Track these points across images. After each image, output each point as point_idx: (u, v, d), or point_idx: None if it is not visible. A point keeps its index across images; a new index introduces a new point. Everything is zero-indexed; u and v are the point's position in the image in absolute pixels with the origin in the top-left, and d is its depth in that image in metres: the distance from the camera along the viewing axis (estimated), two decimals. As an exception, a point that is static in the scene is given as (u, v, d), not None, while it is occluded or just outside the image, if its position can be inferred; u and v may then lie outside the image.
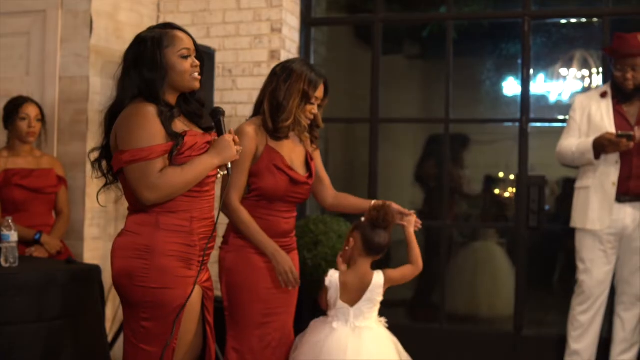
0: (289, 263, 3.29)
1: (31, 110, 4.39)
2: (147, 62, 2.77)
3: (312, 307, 4.84)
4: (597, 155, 4.40)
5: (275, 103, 3.33)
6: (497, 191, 7.25)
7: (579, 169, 4.66)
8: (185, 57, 2.84)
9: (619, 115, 4.48)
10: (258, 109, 3.43)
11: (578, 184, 4.62)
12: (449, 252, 5.95)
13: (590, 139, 4.42)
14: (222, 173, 2.90)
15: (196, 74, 2.87)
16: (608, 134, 4.34)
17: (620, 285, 4.54)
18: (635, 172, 4.39)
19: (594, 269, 4.49)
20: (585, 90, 6.45)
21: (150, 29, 2.91)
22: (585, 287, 4.52)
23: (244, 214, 3.27)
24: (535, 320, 5.51)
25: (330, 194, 3.66)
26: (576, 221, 4.58)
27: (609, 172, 4.42)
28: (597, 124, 4.49)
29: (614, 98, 4.52)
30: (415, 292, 6.65)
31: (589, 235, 4.49)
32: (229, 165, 2.86)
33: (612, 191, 4.41)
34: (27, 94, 4.57)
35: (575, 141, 4.54)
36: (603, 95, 4.57)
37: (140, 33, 2.90)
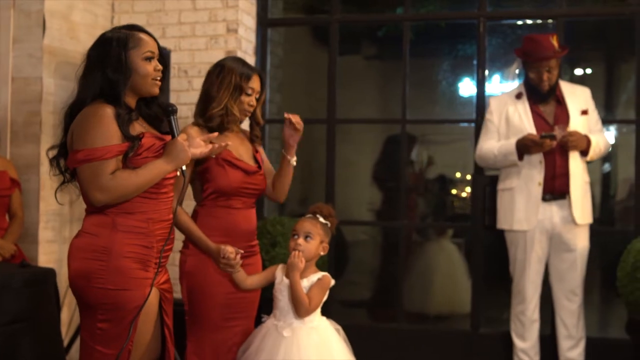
0: (229, 250, 3.22)
1: (-17, 112, 4.32)
2: (112, 62, 2.76)
3: (271, 309, 4.84)
4: (520, 157, 4.47)
5: (207, 98, 3.38)
6: (454, 191, 7.32)
7: (500, 171, 4.71)
8: (149, 60, 2.83)
9: (537, 116, 4.55)
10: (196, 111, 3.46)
11: (501, 186, 4.67)
12: (407, 251, 5.99)
13: (512, 141, 4.48)
14: (181, 179, 2.90)
15: (158, 79, 2.86)
16: (531, 135, 4.40)
17: (555, 283, 4.60)
18: (559, 171, 4.46)
19: (527, 268, 4.55)
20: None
21: (116, 29, 2.89)
22: (520, 287, 4.58)
23: (183, 216, 3.27)
24: (492, 318, 5.57)
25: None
26: (502, 223, 4.63)
27: (533, 172, 4.47)
28: (516, 125, 4.55)
29: (529, 99, 4.59)
30: (374, 293, 6.69)
31: (519, 236, 4.55)
32: (184, 168, 2.85)
33: (538, 191, 4.46)
34: (-22, 95, 4.49)
35: (496, 144, 4.60)
36: (518, 96, 4.63)
37: (105, 32, 2.87)
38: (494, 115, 4.67)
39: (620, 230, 4.90)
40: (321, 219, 3.35)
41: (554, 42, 4.50)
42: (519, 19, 5.87)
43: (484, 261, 5.23)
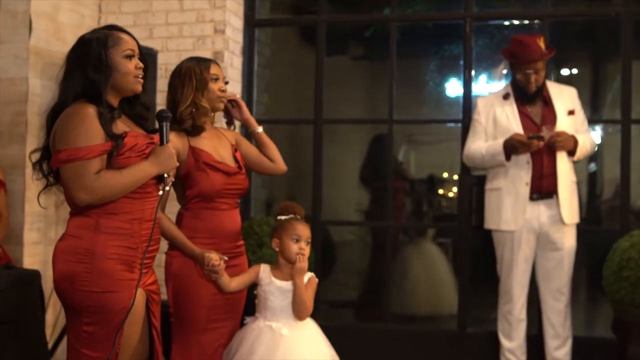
0: (214, 257, 3.23)
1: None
2: (92, 62, 2.75)
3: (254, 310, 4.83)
4: (508, 157, 4.49)
5: (174, 103, 3.38)
6: (441, 191, 7.33)
7: (487, 171, 4.74)
8: (130, 58, 2.83)
9: (524, 116, 4.57)
10: None
11: (489, 186, 4.69)
12: (394, 252, 5.99)
13: (500, 141, 4.50)
14: (161, 192, 2.88)
15: (140, 76, 2.86)
16: (518, 136, 4.43)
17: (542, 282, 4.62)
18: (547, 171, 4.48)
19: (514, 268, 4.57)
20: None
21: (94, 30, 2.89)
22: (508, 287, 4.60)
23: (164, 220, 3.26)
24: (479, 318, 5.58)
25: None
26: (490, 223, 4.65)
27: (521, 172, 4.50)
28: (504, 125, 4.57)
29: (516, 99, 4.61)
30: (361, 293, 6.69)
31: (506, 236, 4.57)
32: (166, 176, 2.84)
33: (526, 191, 4.48)
34: (-36, 96, 4.47)
35: (483, 144, 4.62)
36: (505, 97, 4.65)
37: (84, 35, 2.87)
38: (481, 115, 4.69)
39: (606, 229, 4.93)
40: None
41: (541, 43, 4.52)
42: (505, 19, 5.88)
43: (471, 261, 5.24)
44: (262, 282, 3.36)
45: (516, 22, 5.88)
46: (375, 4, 6.47)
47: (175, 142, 3.22)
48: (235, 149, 3.54)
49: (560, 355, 4.56)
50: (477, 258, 5.37)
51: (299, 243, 3.35)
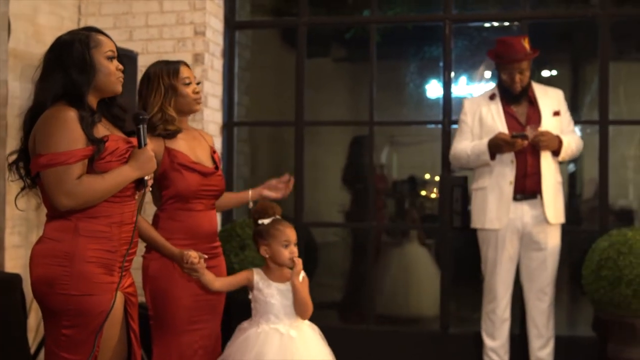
0: (192, 254, 3.21)
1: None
2: (76, 63, 2.75)
3: (240, 311, 4.83)
4: (492, 156, 4.52)
5: (144, 107, 3.35)
6: (423, 192, 7.36)
7: (474, 171, 4.77)
8: (111, 59, 2.83)
9: (509, 116, 4.61)
10: None
11: (475, 185, 4.72)
12: (377, 253, 6.01)
13: (485, 141, 4.53)
14: (141, 191, 2.89)
15: (121, 77, 2.86)
16: (502, 135, 4.46)
17: (526, 282, 4.65)
18: (530, 170, 4.51)
19: (498, 267, 4.59)
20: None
21: (72, 32, 2.88)
22: (491, 286, 4.63)
23: (142, 222, 3.24)
24: (461, 318, 5.61)
25: None
26: (475, 222, 4.68)
27: (505, 171, 4.53)
28: (489, 125, 4.60)
29: (502, 99, 4.65)
30: (343, 294, 6.70)
31: (491, 235, 4.60)
32: (147, 178, 2.84)
33: (510, 190, 4.51)
34: (-58, 99, 4.43)
35: (469, 144, 4.65)
36: (492, 97, 4.69)
37: (61, 36, 2.86)
38: (467, 116, 4.72)
39: (585, 229, 4.97)
40: None
41: (526, 44, 4.57)
42: (485, 21, 5.92)
43: (453, 262, 5.27)
44: (258, 285, 3.35)
45: (495, 23, 5.92)
46: (356, 6, 6.49)
47: (151, 144, 3.21)
48: (214, 150, 3.54)
49: (544, 355, 4.59)
50: (460, 259, 5.40)
51: (289, 247, 3.35)
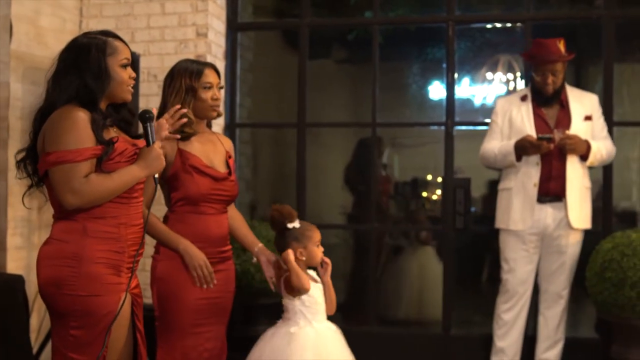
0: (202, 257, 3.24)
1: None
2: (91, 69, 2.75)
3: (243, 314, 4.82)
4: (518, 158, 4.52)
5: (164, 107, 3.35)
6: (425, 194, 7.36)
7: (501, 171, 4.76)
8: (125, 67, 2.84)
9: (539, 118, 4.60)
10: None
11: (501, 186, 4.73)
12: (379, 255, 6.00)
13: (512, 142, 4.53)
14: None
15: (132, 85, 2.87)
16: (529, 137, 4.45)
17: (543, 284, 4.65)
18: (555, 173, 4.51)
19: (517, 268, 4.59)
20: (509, 93, 6.60)
21: (89, 35, 2.88)
22: (509, 285, 4.62)
23: (150, 216, 3.23)
24: (463, 320, 5.60)
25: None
26: (500, 222, 4.68)
27: (530, 173, 4.53)
28: (518, 126, 4.60)
29: (533, 101, 4.64)
30: (346, 296, 6.69)
31: (512, 235, 4.60)
32: (156, 176, 2.84)
33: (534, 192, 4.51)
34: (-56, 101, 4.43)
35: (497, 144, 4.65)
36: (523, 98, 4.69)
37: (79, 37, 2.87)
38: (498, 116, 4.72)
39: (589, 231, 4.94)
40: None
41: (561, 46, 4.57)
42: (488, 22, 5.91)
43: (455, 263, 5.25)
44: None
45: (498, 25, 5.91)
46: (358, 7, 6.49)
47: (164, 143, 3.18)
48: (230, 155, 3.50)
49: (551, 357, 4.59)
50: (461, 261, 5.39)
51: (320, 246, 3.46)
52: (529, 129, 4.55)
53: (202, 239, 3.30)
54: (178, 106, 3.19)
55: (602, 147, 4.58)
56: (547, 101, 4.61)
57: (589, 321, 5.26)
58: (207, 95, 3.36)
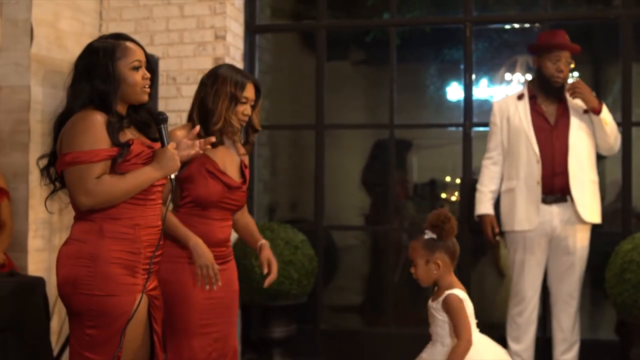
0: (210, 257, 3.23)
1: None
2: (100, 74, 2.78)
3: (262, 315, 4.84)
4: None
5: (204, 109, 3.32)
6: (444, 195, 7.34)
7: (503, 173, 4.74)
8: (137, 69, 2.85)
9: (537, 115, 4.59)
10: (190, 119, 3.42)
11: (503, 188, 4.69)
12: (397, 256, 6.00)
13: (482, 208, 4.68)
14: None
15: (147, 87, 2.88)
16: (489, 225, 4.64)
17: (554, 285, 4.62)
18: (558, 170, 4.49)
19: (526, 270, 4.57)
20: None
21: (103, 38, 2.90)
22: (519, 288, 4.60)
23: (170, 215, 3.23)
24: (478, 323, 5.56)
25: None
26: (505, 224, 4.66)
27: (532, 171, 4.51)
28: (516, 125, 4.59)
29: (530, 99, 4.63)
30: (364, 297, 6.69)
31: (519, 237, 4.58)
32: (172, 177, 2.85)
33: (538, 190, 4.49)
34: (-34, 105, 4.48)
35: (487, 182, 4.69)
36: (520, 97, 4.67)
37: (92, 42, 2.89)
38: (496, 117, 4.71)
39: (608, 232, 4.92)
40: (426, 235, 3.35)
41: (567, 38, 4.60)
42: (505, 23, 5.90)
43: (471, 265, 5.24)
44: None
45: (516, 25, 5.89)
46: (375, 9, 6.49)
47: (184, 137, 3.16)
48: (246, 165, 3.50)
49: (568, 359, 4.55)
50: (479, 262, 5.37)
51: None
52: (527, 127, 4.54)
53: (205, 241, 3.27)
54: (197, 128, 3.15)
55: (611, 117, 4.56)
56: (547, 96, 4.60)
57: (608, 323, 5.23)
58: (240, 108, 3.34)
